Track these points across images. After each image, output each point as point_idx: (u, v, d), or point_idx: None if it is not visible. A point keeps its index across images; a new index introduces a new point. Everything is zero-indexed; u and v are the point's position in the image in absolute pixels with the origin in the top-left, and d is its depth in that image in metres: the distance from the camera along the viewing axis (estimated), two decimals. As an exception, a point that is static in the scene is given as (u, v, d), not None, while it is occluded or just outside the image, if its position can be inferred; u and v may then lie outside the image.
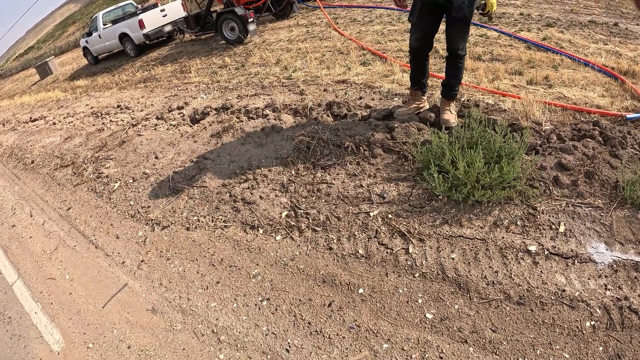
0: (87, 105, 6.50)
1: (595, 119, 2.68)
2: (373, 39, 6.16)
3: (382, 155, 2.71)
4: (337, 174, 2.64)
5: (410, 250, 2.00)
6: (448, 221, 2.10)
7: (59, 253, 3.17)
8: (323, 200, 2.46)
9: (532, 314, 1.68)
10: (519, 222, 1.99)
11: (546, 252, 1.85)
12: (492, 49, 4.54)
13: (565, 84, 3.47)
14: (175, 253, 2.57)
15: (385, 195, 2.40)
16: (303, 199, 2.51)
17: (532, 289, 1.74)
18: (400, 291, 1.84)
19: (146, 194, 3.22)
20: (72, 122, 5.76)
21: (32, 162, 4.96)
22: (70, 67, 14.00)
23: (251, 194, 2.67)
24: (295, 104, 3.57)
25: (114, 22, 10.33)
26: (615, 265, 1.80)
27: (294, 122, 3.26)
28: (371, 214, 2.31)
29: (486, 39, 5.47)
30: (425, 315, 1.73)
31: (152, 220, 2.91)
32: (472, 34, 5.69)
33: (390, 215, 2.27)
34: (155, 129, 4.37)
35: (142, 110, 5.25)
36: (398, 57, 5.11)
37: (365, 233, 2.17)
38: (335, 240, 2.23)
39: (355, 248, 2.15)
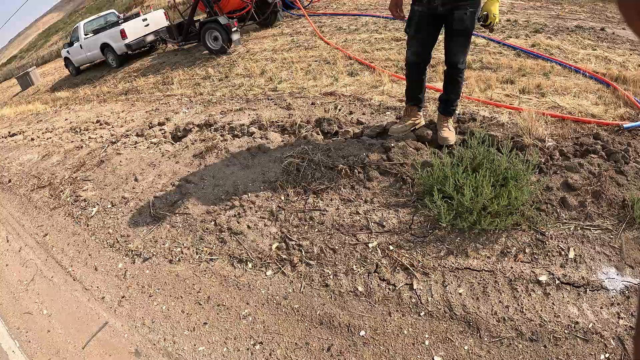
0: (66, 119, 6.20)
1: (594, 130, 2.59)
2: (360, 47, 6.04)
3: (378, 178, 2.56)
4: (331, 200, 2.47)
5: (415, 286, 1.84)
6: (453, 252, 1.95)
7: (35, 284, 2.93)
8: (316, 229, 2.28)
9: (546, 350, 1.54)
10: (527, 250, 1.85)
11: (557, 282, 1.72)
12: (481, 56, 4.46)
13: (558, 92, 3.40)
14: (158, 289, 2.37)
15: (384, 223, 2.24)
16: (294, 229, 2.33)
17: (544, 324, 1.60)
18: (405, 332, 1.68)
19: (125, 221, 3.00)
20: (50, 138, 5.48)
21: (9, 181, 4.67)
22: (52, 78, 13.57)
23: (238, 222, 2.49)
24: (282, 121, 3.40)
25: (96, 32, 10.02)
26: (627, 292, 1.69)
27: (282, 140, 3.09)
28: (370, 245, 2.13)
29: (475, 46, 5.39)
30: (433, 359, 1.58)
31: (132, 251, 2.70)
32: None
33: (391, 247, 2.09)
34: (135, 147, 4.15)
35: (122, 126, 5.01)
36: (386, 66, 4.99)
37: (364, 267, 1.99)
38: (331, 276, 2.05)
39: (354, 285, 1.96)
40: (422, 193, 2.31)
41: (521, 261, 1.81)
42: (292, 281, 2.10)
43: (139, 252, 2.65)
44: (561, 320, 1.59)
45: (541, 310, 1.62)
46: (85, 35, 10.22)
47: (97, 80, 9.43)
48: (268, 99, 4.54)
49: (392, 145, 2.72)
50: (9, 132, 6.55)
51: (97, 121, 5.42)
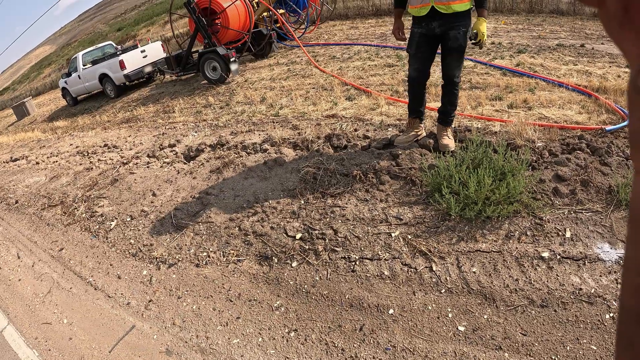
0: (71, 144, 6.33)
1: (579, 134, 2.91)
2: (355, 74, 6.45)
3: (389, 182, 2.80)
4: (348, 200, 2.69)
5: (434, 268, 2.05)
6: (464, 238, 2.18)
7: (53, 296, 2.99)
8: (339, 220, 2.50)
9: (556, 314, 1.74)
10: (528, 233, 2.10)
11: (558, 257, 1.95)
12: (470, 77, 4.86)
13: (543, 105, 3.68)
14: (187, 291, 2.49)
15: (401, 217, 2.48)
16: (316, 221, 2.53)
17: (552, 292, 1.81)
18: (430, 308, 1.87)
19: (147, 232, 3.13)
20: (56, 161, 5.59)
21: (16, 202, 4.73)
22: (48, 108, 13.68)
23: (262, 226, 2.67)
24: (293, 138, 3.66)
25: (94, 62, 10.30)
26: (621, 261, 1.92)
27: (296, 155, 3.33)
28: (393, 234, 2.36)
29: (463, 68, 5.85)
30: (457, 328, 1.76)
31: (156, 258, 2.83)
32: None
33: (409, 236, 2.32)
34: (148, 167, 4.31)
35: (131, 149, 5.18)
36: (381, 90, 5.35)
37: (388, 253, 2.20)
38: (357, 262, 2.25)
39: (380, 269, 2.17)
40: (432, 191, 2.57)
41: (524, 242, 2.05)
42: (317, 269, 2.27)
43: (164, 259, 2.78)
44: (566, 288, 1.81)
45: (547, 281, 1.84)
46: (84, 66, 10.49)
47: (96, 110, 9.62)
48: (273, 122, 4.81)
49: (400, 152, 2.98)
50: (11, 157, 6.61)
51: (105, 145, 5.57)
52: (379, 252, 2.28)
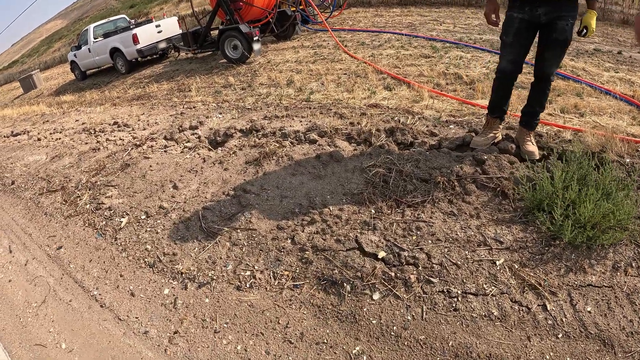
0: (77, 120, 5.52)
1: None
2: (389, 62, 5.69)
3: (475, 192, 2.11)
4: (432, 213, 1.98)
5: (548, 307, 1.61)
6: (572, 269, 1.77)
7: (48, 308, 2.29)
8: (428, 240, 1.81)
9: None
10: (633, 264, 1.72)
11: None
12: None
13: (595, 113, 3.32)
14: (226, 323, 1.79)
15: (501, 239, 1.83)
16: (401, 239, 1.83)
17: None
18: (547, 357, 1.43)
19: (167, 236, 2.41)
20: (60, 138, 4.79)
21: (13, 182, 3.96)
22: (55, 82, 12.69)
23: (323, 239, 1.95)
24: (345, 129, 2.91)
25: (106, 35, 9.35)
26: None
27: (354, 150, 2.58)
28: (497, 262, 1.73)
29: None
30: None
31: (182, 273, 2.11)
32: (489, 60, 5.34)
33: (515, 265, 1.75)
34: (165, 152, 3.56)
35: (144, 129, 4.41)
36: (421, 82, 4.65)
37: (495, 287, 1.65)
38: (459, 297, 1.59)
39: (487, 307, 1.59)
40: (530, 208, 2.00)
41: (631, 275, 1.70)
42: (409, 306, 1.61)
43: (192, 276, 2.06)
44: None
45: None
46: (95, 39, 9.53)
47: (105, 86, 8.75)
48: (310, 108, 4.05)
49: (485, 158, 2.29)
50: (12, 132, 5.79)
51: (115, 123, 4.78)
52: (484, 286, 1.70)
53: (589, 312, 1.62)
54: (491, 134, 2.56)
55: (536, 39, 2.31)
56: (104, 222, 2.82)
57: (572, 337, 1.56)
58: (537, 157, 2.39)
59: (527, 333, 1.57)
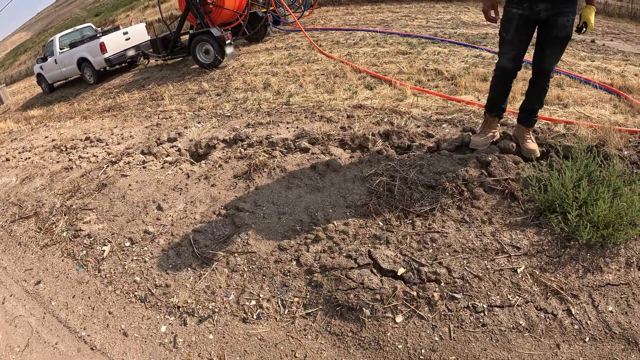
0: (46, 137, 5.05)
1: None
2: (367, 61, 5.53)
3: (484, 196, 1.99)
4: (444, 222, 1.85)
5: (573, 312, 1.56)
6: (589, 269, 1.71)
7: (33, 353, 2.02)
8: (445, 252, 1.68)
9: None
10: None
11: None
12: (490, 69, 4.16)
13: (577, 103, 3.27)
14: (235, 363, 1.59)
15: (517, 244, 1.74)
16: (417, 252, 1.69)
17: None
18: None
19: (157, 265, 2.16)
20: (29, 158, 4.35)
21: (-21, 211, 3.56)
22: (22, 96, 11.78)
23: (331, 258, 1.78)
24: (338, 134, 2.73)
25: (72, 45, 8.68)
26: None
27: (350, 157, 2.41)
28: (518, 270, 1.63)
29: (482, 59, 5.08)
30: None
31: (178, 307, 1.88)
32: (467, 55, 5.29)
33: (536, 271, 1.67)
34: (144, 168, 3.27)
35: (119, 144, 4.06)
36: (401, 79, 4.53)
37: (519, 296, 1.57)
38: (485, 312, 1.48)
39: (514, 319, 1.51)
40: (541, 210, 1.91)
41: None
42: (435, 326, 1.48)
43: (191, 309, 1.84)
44: None
45: None
46: (61, 49, 8.84)
47: (74, 98, 8.14)
48: (292, 112, 3.85)
49: (490, 159, 2.18)
50: (-26, 154, 5.25)
51: (87, 138, 4.40)
52: (509, 296, 1.61)
53: (611, 311, 1.58)
54: (490, 133, 2.46)
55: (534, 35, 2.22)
56: (84, 252, 2.53)
57: (599, 339, 1.51)
58: (539, 155, 2.31)
59: (555, 340, 1.50)
